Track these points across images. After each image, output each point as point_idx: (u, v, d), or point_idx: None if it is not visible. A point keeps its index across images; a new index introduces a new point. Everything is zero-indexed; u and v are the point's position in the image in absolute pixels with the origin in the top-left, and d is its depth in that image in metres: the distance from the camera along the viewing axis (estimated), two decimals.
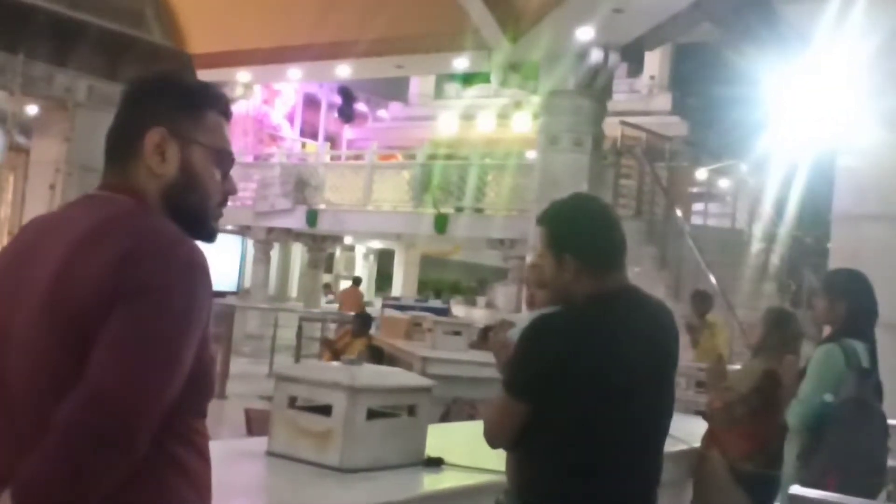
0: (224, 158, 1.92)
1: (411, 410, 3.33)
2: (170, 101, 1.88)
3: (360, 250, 26.11)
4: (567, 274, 2.55)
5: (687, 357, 8.62)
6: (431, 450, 3.37)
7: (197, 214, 1.88)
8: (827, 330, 4.24)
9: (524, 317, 2.95)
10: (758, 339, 4.43)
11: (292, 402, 3.29)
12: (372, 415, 3.21)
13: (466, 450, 3.45)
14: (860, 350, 3.85)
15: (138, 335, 1.63)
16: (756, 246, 14.67)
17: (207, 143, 1.89)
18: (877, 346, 3.97)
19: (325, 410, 3.19)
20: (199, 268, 1.73)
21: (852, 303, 3.97)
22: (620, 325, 2.52)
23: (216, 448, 1.95)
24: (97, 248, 1.69)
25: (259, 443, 3.40)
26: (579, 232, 2.61)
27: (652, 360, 2.57)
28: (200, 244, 1.80)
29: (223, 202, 1.94)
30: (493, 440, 2.59)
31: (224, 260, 7.69)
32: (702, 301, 10.28)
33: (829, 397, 3.76)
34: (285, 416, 3.27)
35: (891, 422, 4.35)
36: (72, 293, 1.66)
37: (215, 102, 1.93)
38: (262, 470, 3.20)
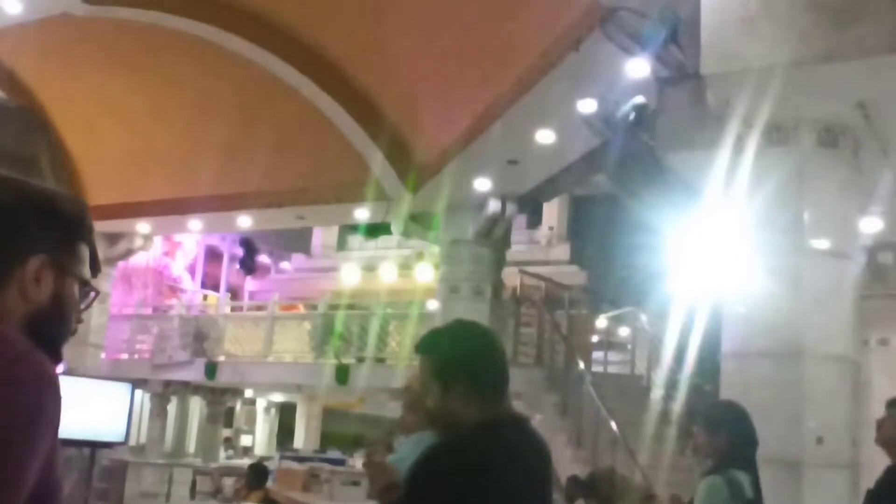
0: (88, 291, 1.94)
1: None
2: (53, 231, 1.86)
3: (261, 404, 25.59)
4: (455, 401, 2.48)
5: None
6: None
7: (56, 341, 1.87)
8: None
9: (404, 441, 2.90)
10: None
11: None
12: None
13: None
14: (744, 480, 3.86)
15: None
16: (656, 392, 14.82)
17: (79, 274, 1.90)
18: (759, 476, 3.98)
19: None
20: (47, 380, 1.68)
21: (733, 433, 4.00)
22: (513, 454, 2.48)
23: None
24: None
25: None
26: (467, 359, 2.55)
27: (539, 487, 2.53)
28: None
29: (75, 329, 1.93)
30: None
31: (111, 409, 7.47)
32: (573, 485, 8.95)
33: None
34: None
35: None
36: None
37: (88, 234, 1.94)
38: None
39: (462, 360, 2.55)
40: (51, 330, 1.84)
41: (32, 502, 1.64)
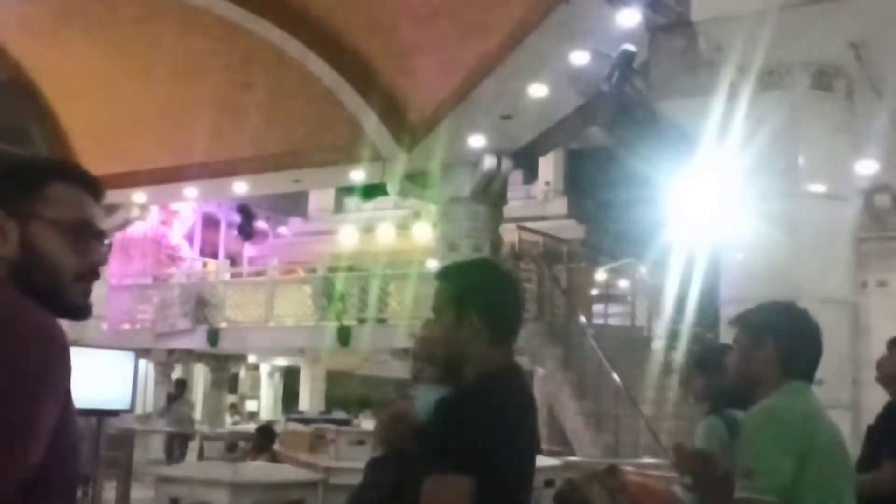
0: (78, 229, 1.82)
1: None
2: (4, 180, 1.80)
3: (265, 368, 25.68)
4: (465, 334, 2.43)
5: None
6: None
7: (49, 292, 1.78)
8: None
9: (422, 391, 2.87)
10: None
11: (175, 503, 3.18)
12: None
13: None
14: (740, 418, 3.86)
15: None
16: (657, 343, 14.88)
17: (51, 216, 1.79)
18: None
19: None
20: (49, 337, 1.66)
21: (728, 375, 4.00)
22: (527, 401, 2.55)
23: None
24: None
25: None
26: (486, 293, 2.50)
27: (533, 435, 2.58)
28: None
29: (88, 275, 1.84)
30: None
31: (115, 378, 7.47)
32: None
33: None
34: None
35: None
36: None
37: (58, 173, 1.85)
38: None
39: (481, 293, 2.49)
40: (35, 281, 1.77)
41: (52, 460, 1.65)
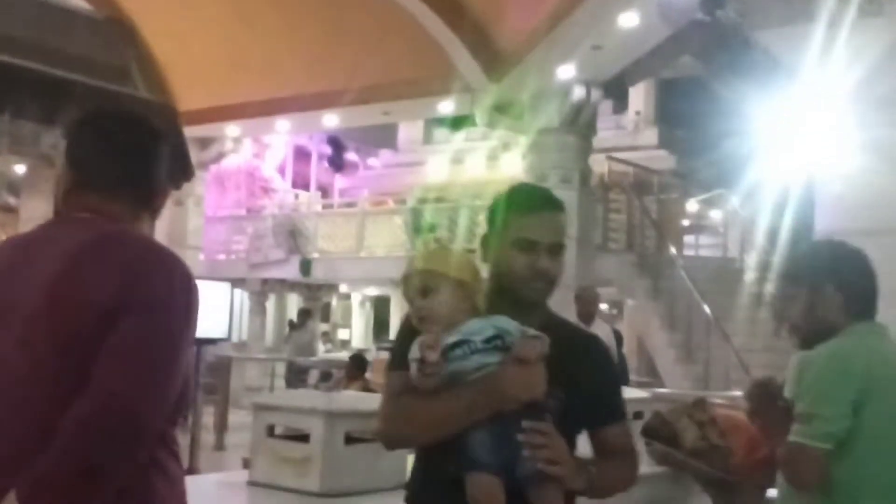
0: None
1: None
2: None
3: (356, 298, 26.10)
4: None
5: None
6: None
7: None
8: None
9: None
10: None
11: (271, 430, 3.31)
12: (352, 440, 3.23)
13: None
14: None
15: (146, 344, 1.75)
16: (749, 275, 14.69)
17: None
18: None
19: (305, 438, 3.20)
20: (193, 284, 1.90)
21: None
22: None
23: (198, 481, 2.07)
24: (98, 262, 1.80)
25: (240, 475, 3.41)
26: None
27: None
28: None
29: None
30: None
31: (213, 308, 7.75)
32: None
33: None
34: (265, 444, 3.28)
35: None
36: (72, 305, 1.76)
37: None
38: (243, 499, 3.21)
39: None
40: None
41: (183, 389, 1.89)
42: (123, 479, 1.73)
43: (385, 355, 13.38)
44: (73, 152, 1.99)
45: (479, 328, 2.07)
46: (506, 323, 2.09)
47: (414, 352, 2.07)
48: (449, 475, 2.04)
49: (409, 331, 2.18)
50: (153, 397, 1.74)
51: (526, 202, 2.34)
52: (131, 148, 1.98)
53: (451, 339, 2.06)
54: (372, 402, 3.53)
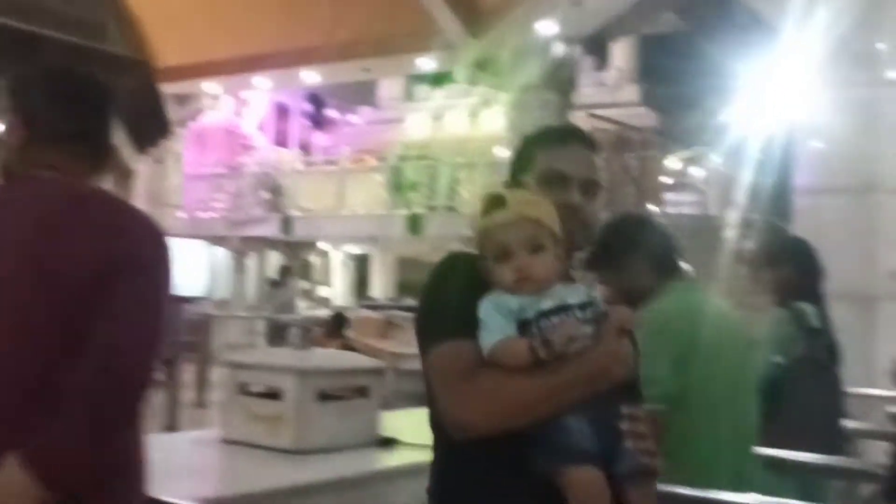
0: None
1: (363, 392, 3.34)
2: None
3: (337, 256, 26.05)
4: None
5: None
6: (388, 432, 3.36)
7: None
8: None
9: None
10: None
11: (244, 388, 3.30)
12: (325, 398, 3.22)
13: (423, 431, 3.46)
14: (809, 312, 3.86)
15: (141, 304, 1.82)
16: (729, 232, 14.72)
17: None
18: (826, 309, 4.00)
19: (278, 396, 3.20)
20: (168, 242, 1.97)
21: (797, 266, 3.99)
22: None
23: (172, 439, 2.13)
24: (80, 226, 1.80)
25: (214, 433, 3.41)
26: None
27: None
28: None
29: None
30: None
31: (192, 265, 7.75)
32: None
33: (779, 359, 3.77)
34: (237, 402, 3.28)
35: (852, 389, 4.39)
36: (58, 270, 1.76)
37: None
38: (215, 456, 3.20)
39: None
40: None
41: None
42: (128, 434, 1.84)
43: (366, 313, 13.39)
44: (23, 107, 1.94)
45: (572, 293, 1.78)
46: (590, 288, 1.84)
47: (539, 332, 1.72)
48: (530, 471, 1.72)
49: (472, 288, 1.80)
50: (150, 353, 1.82)
51: (555, 134, 2.09)
52: (84, 103, 1.96)
53: (547, 304, 1.75)
54: (344, 360, 3.54)
